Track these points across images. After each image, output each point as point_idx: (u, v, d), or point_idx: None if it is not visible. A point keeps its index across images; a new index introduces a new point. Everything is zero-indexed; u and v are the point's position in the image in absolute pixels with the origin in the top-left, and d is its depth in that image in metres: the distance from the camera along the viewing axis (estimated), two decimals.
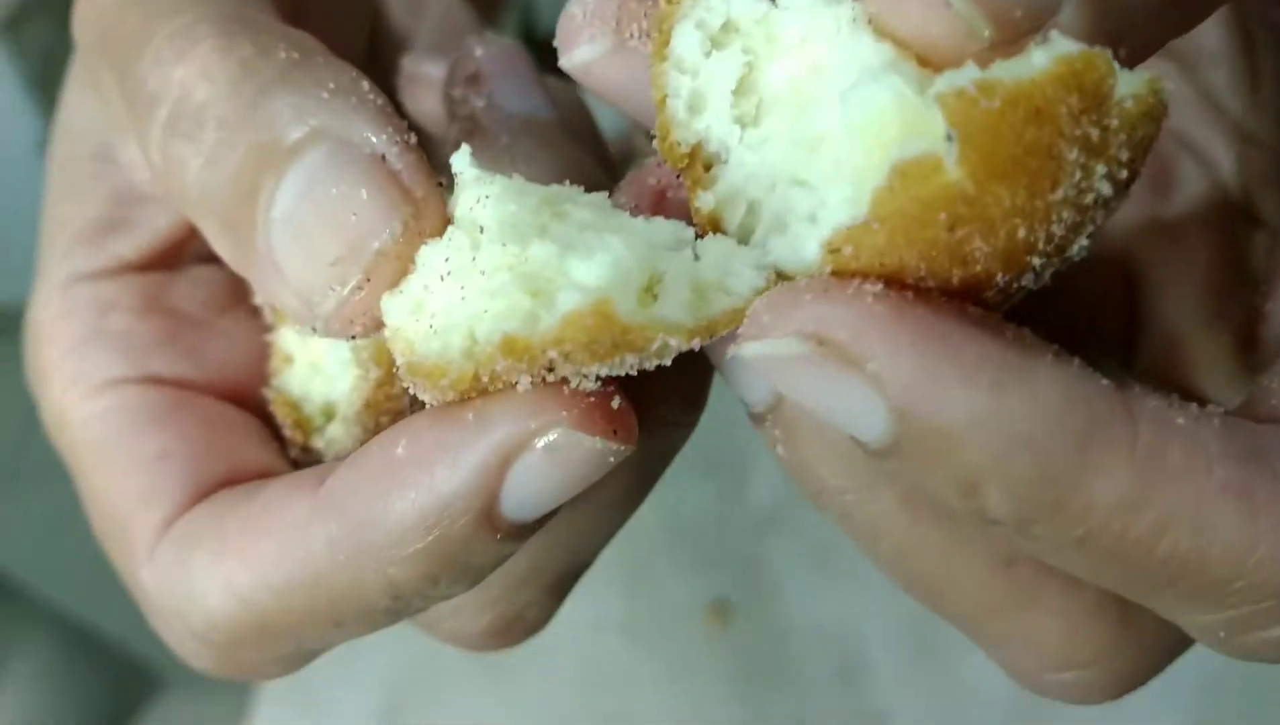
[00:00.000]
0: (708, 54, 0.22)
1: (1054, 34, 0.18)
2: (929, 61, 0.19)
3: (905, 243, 0.18)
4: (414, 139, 0.22)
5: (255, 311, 0.29)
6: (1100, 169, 0.18)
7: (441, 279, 0.21)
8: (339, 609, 0.22)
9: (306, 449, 0.28)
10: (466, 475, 0.20)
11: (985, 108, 0.17)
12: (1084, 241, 0.19)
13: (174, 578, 0.23)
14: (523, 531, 0.21)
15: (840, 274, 0.19)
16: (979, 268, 0.18)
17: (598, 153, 0.28)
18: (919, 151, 0.18)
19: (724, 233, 0.22)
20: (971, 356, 0.18)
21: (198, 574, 0.23)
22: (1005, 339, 0.18)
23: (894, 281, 0.18)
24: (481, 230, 0.21)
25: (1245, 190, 0.28)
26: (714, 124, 0.22)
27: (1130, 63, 0.19)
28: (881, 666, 0.58)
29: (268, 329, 0.28)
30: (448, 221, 0.22)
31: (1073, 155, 0.18)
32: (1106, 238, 0.27)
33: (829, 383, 0.18)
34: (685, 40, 0.22)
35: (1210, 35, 0.27)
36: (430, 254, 0.21)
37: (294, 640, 0.23)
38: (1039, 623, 0.22)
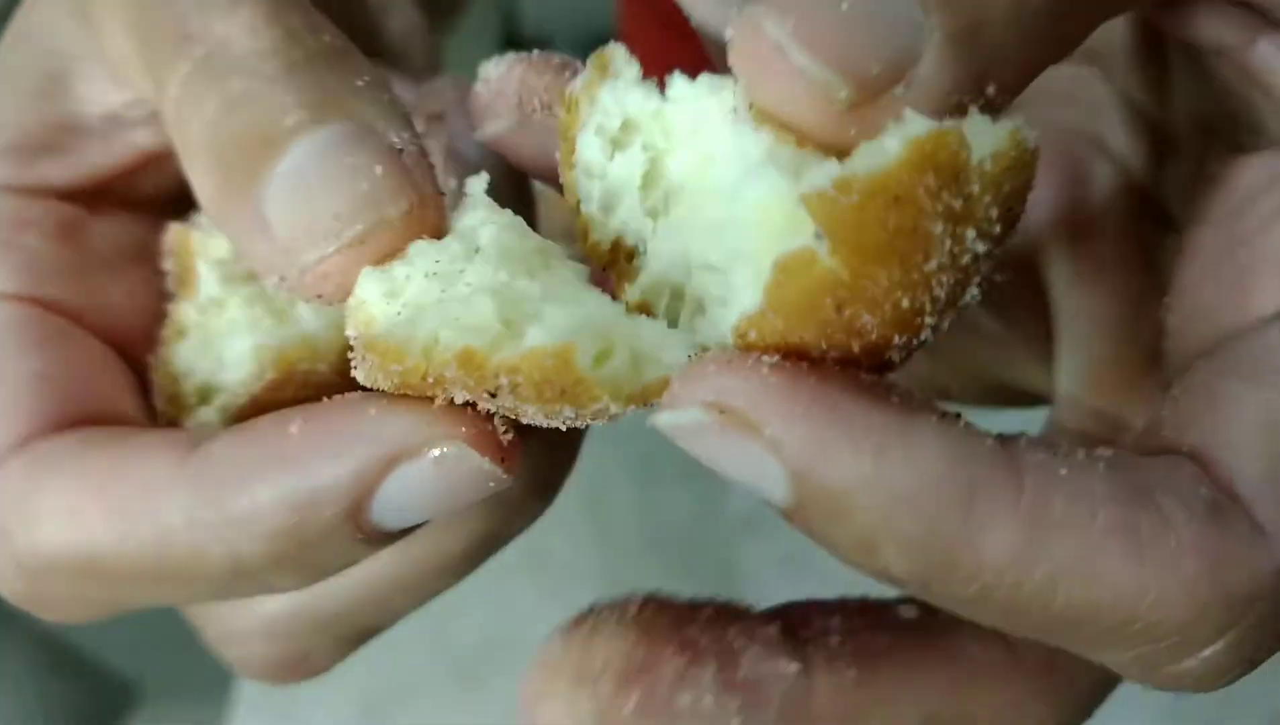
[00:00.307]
0: (610, 157, 0.23)
1: (906, 112, 0.19)
2: (804, 139, 0.20)
3: (801, 326, 0.19)
4: (426, 149, 0.23)
5: (160, 275, 0.28)
6: (970, 233, 0.19)
7: (426, 275, 0.21)
8: (172, 569, 0.21)
9: (173, 424, 0.27)
10: (350, 466, 0.20)
11: (845, 204, 0.18)
12: (974, 290, 0.20)
13: (14, 493, 0.22)
14: (381, 538, 0.21)
15: (748, 351, 0.20)
16: (874, 336, 0.19)
17: (530, 211, 0.29)
18: (796, 246, 0.19)
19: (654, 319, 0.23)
20: (859, 422, 0.18)
21: (45, 496, 0.22)
22: (890, 404, 0.19)
23: (797, 354, 0.19)
24: (477, 250, 0.21)
25: (1160, 193, 0.28)
26: (628, 219, 0.23)
27: (1005, 93, 0.19)
28: None
29: (167, 297, 0.28)
30: (445, 230, 0.22)
31: (939, 229, 0.18)
32: (1016, 245, 0.27)
33: (734, 448, 0.19)
34: (588, 148, 0.23)
35: (1125, 38, 0.27)
36: (422, 249, 0.22)
37: (112, 589, 0.23)
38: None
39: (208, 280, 0.26)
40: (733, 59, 0.20)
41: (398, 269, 0.21)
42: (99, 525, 0.21)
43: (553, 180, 0.25)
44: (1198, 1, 0.23)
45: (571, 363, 0.20)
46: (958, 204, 0.18)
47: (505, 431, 0.21)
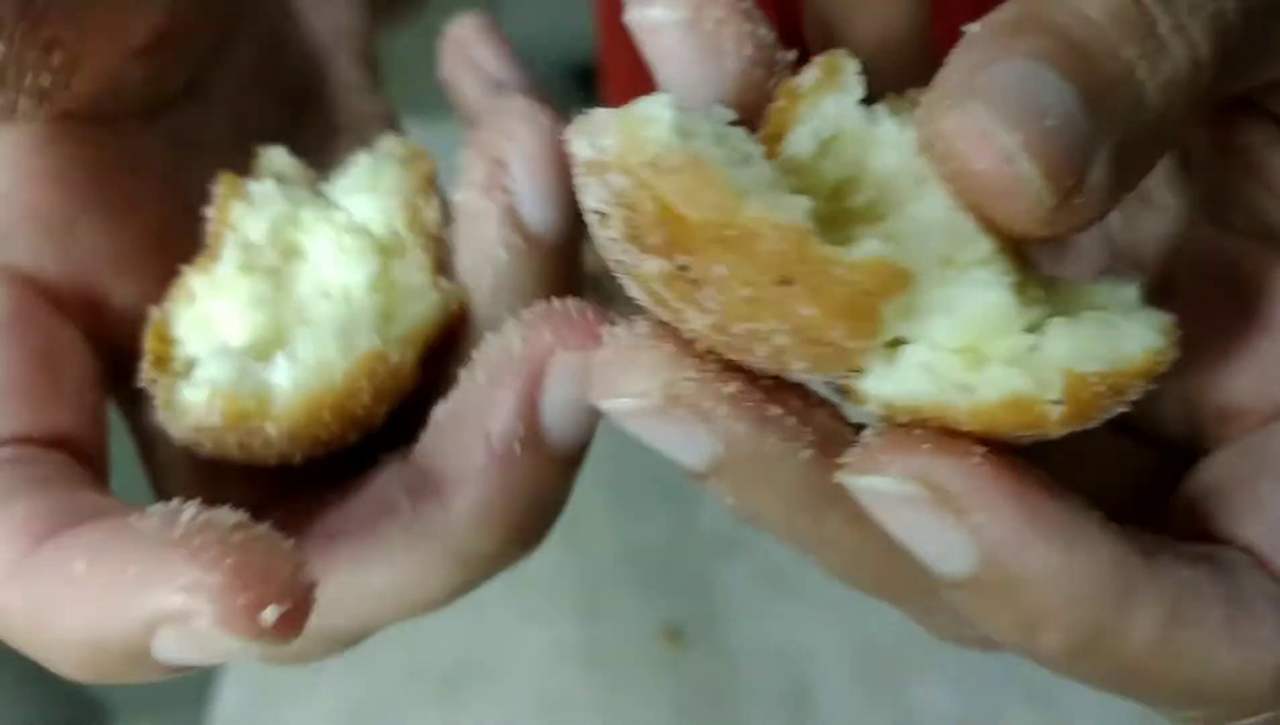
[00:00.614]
0: (814, 160, 0.22)
1: (1144, 315, 0.21)
2: (993, 228, 0.21)
3: (986, 433, 0.21)
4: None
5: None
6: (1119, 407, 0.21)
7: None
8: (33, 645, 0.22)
9: (151, 382, 0.26)
10: (120, 627, 0.20)
11: (1093, 388, 0.20)
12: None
13: None
14: (182, 669, 0.21)
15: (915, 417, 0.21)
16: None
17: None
18: (1027, 391, 0.20)
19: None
20: (1052, 520, 0.20)
21: None
22: (1070, 504, 0.21)
23: (986, 440, 0.21)
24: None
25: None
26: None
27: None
28: (831, 688, 0.60)
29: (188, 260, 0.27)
30: None
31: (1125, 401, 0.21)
32: None
33: (929, 522, 0.20)
34: (798, 144, 0.22)
35: None
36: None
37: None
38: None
39: (229, 259, 0.25)
40: (940, 153, 0.20)
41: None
42: None
43: (680, 93, 0.23)
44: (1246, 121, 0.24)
45: (900, 276, 0.20)
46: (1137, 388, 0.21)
47: (276, 602, 0.19)
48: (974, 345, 0.20)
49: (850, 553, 0.23)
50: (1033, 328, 0.20)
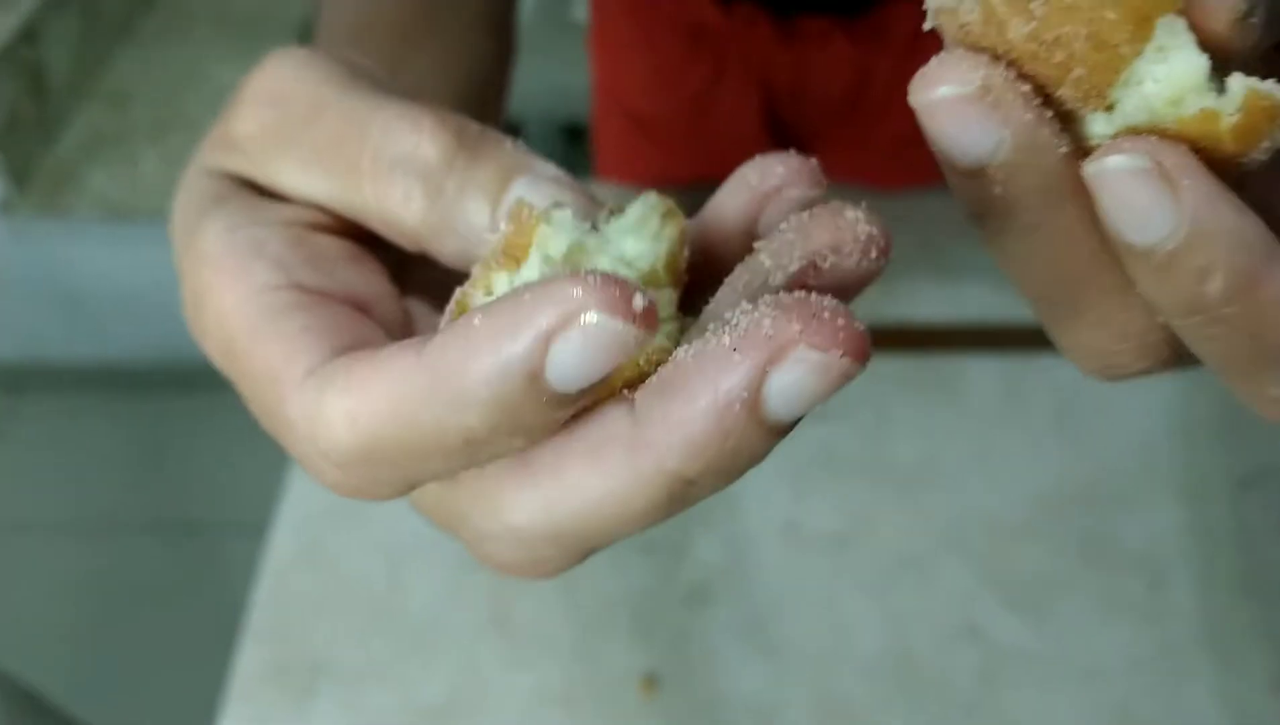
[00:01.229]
0: None
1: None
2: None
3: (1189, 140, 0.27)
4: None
5: (378, 270, 0.34)
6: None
7: None
8: (426, 446, 0.27)
9: None
10: (518, 346, 0.25)
11: (1264, 105, 0.26)
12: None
13: (311, 410, 0.29)
14: (565, 400, 0.26)
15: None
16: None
17: None
18: (1216, 106, 0.26)
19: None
20: (1228, 193, 0.26)
21: (327, 406, 0.28)
22: (1228, 186, 0.26)
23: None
24: None
25: None
26: None
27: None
28: None
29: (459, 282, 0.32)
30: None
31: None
32: None
33: (1144, 188, 0.26)
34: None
35: None
36: None
37: (393, 469, 0.28)
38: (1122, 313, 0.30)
39: (531, 267, 0.30)
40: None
41: None
42: (365, 418, 0.27)
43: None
44: None
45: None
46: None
47: (642, 297, 0.25)
48: (1179, 97, 0.26)
49: (1067, 243, 0.28)
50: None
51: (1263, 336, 0.27)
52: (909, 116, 0.28)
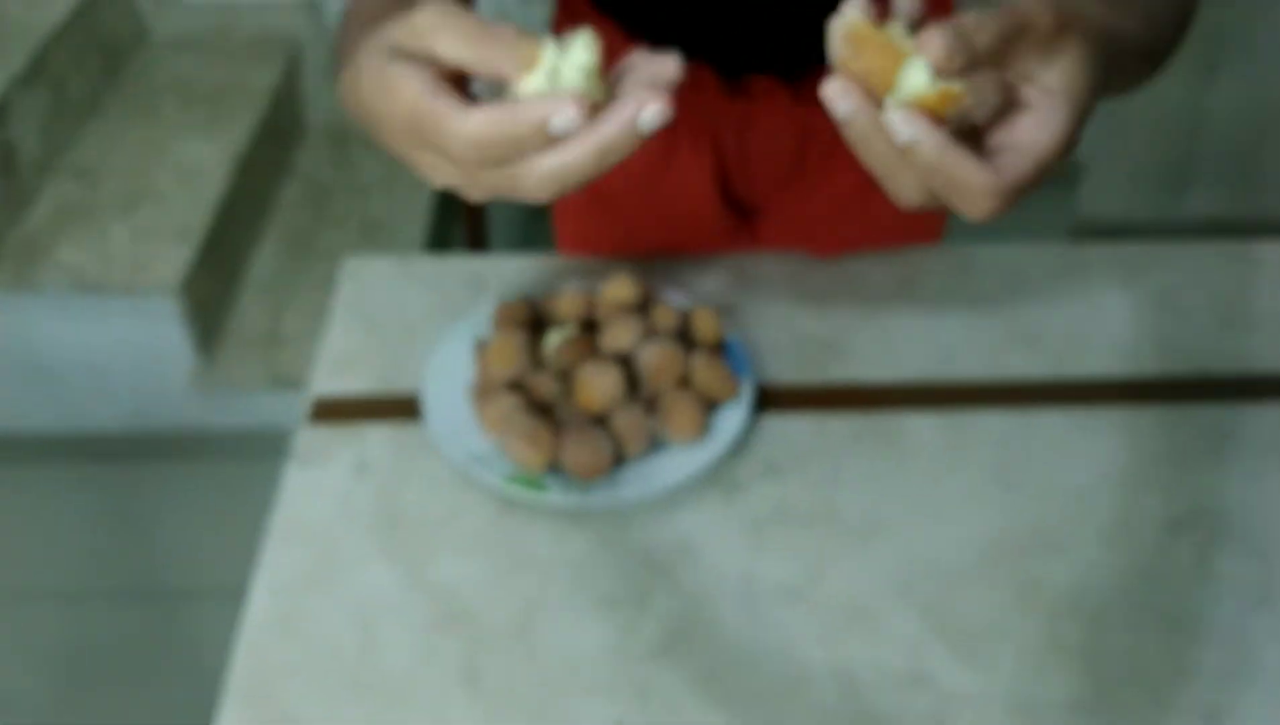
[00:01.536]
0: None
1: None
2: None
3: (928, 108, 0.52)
4: None
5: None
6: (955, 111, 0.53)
7: None
8: (505, 141, 0.50)
9: None
10: (536, 116, 0.51)
11: (951, 94, 0.52)
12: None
13: (457, 125, 0.51)
14: (553, 138, 0.51)
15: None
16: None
17: None
18: (933, 91, 0.51)
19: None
20: (935, 127, 0.53)
21: (469, 121, 0.51)
22: (941, 126, 0.53)
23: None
24: None
25: None
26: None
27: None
28: None
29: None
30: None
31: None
32: None
33: (904, 124, 0.51)
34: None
35: None
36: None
37: (483, 152, 0.51)
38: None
39: (542, 69, 0.51)
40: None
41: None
42: (484, 127, 0.51)
43: None
44: None
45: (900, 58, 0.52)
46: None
47: (576, 106, 0.50)
48: (917, 90, 0.51)
49: (882, 152, 0.52)
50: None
51: (928, 180, 0.52)
52: (847, 176, 0.56)
